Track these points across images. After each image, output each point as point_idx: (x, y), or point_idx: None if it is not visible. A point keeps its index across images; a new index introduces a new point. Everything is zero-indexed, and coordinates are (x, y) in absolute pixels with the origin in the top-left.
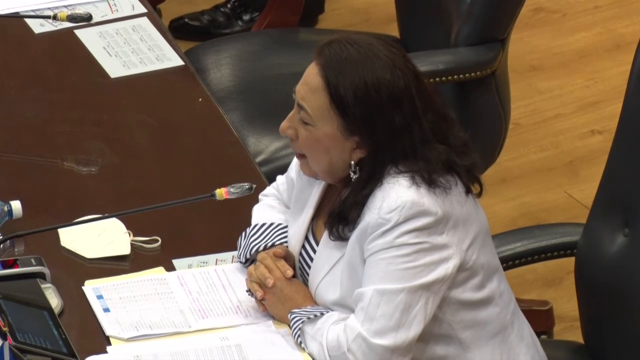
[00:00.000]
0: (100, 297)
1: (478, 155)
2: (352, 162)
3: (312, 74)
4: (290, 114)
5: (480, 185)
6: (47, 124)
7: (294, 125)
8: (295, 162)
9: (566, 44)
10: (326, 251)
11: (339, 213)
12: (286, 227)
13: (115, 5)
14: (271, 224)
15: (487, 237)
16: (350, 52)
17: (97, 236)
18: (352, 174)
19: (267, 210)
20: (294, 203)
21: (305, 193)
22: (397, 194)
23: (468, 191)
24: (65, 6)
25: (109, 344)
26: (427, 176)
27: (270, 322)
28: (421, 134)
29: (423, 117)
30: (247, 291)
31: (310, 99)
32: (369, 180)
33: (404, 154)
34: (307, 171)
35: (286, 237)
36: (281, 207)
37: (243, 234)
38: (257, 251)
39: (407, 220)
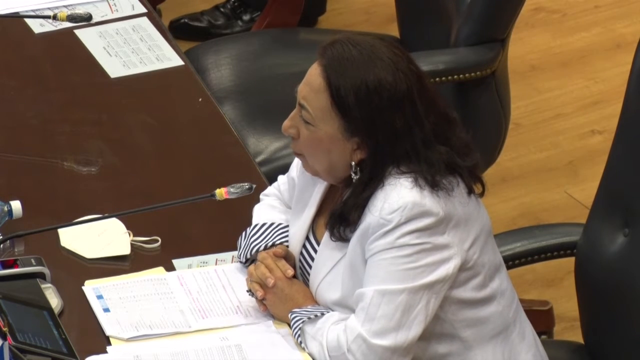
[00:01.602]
0: (100, 297)
1: (479, 156)
2: (353, 163)
3: (314, 74)
4: (293, 113)
5: (483, 185)
6: (47, 124)
7: (295, 124)
8: (296, 161)
9: (566, 44)
10: (327, 251)
11: (340, 214)
12: (287, 227)
13: (115, 5)
14: (272, 224)
15: (489, 237)
16: (353, 53)
17: (97, 236)
18: (353, 174)
19: (267, 210)
20: (295, 202)
21: (307, 192)
22: (398, 195)
23: (470, 192)
24: (65, 6)
25: (109, 344)
26: (430, 178)
27: (270, 322)
28: (423, 136)
29: (425, 119)
30: (247, 291)
31: (312, 99)
32: (369, 181)
33: (405, 156)
34: (309, 170)
35: (287, 237)
36: (282, 207)
37: (243, 233)
38: (257, 251)
39: (408, 221)
